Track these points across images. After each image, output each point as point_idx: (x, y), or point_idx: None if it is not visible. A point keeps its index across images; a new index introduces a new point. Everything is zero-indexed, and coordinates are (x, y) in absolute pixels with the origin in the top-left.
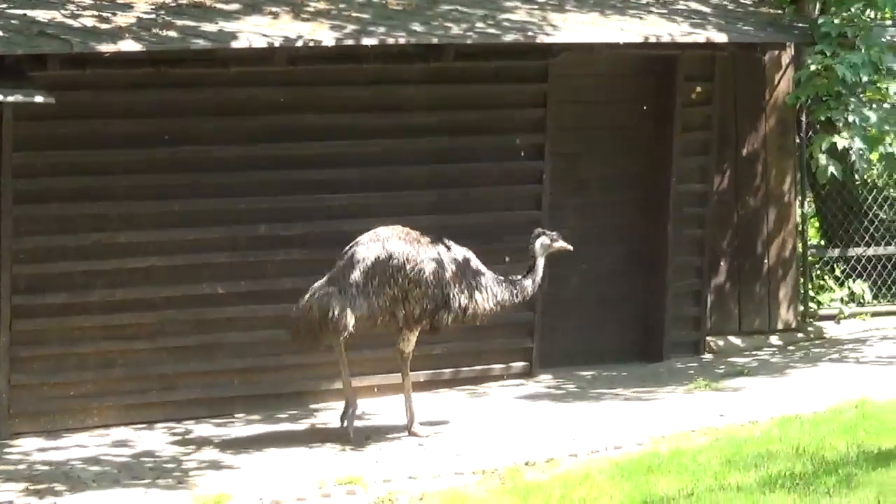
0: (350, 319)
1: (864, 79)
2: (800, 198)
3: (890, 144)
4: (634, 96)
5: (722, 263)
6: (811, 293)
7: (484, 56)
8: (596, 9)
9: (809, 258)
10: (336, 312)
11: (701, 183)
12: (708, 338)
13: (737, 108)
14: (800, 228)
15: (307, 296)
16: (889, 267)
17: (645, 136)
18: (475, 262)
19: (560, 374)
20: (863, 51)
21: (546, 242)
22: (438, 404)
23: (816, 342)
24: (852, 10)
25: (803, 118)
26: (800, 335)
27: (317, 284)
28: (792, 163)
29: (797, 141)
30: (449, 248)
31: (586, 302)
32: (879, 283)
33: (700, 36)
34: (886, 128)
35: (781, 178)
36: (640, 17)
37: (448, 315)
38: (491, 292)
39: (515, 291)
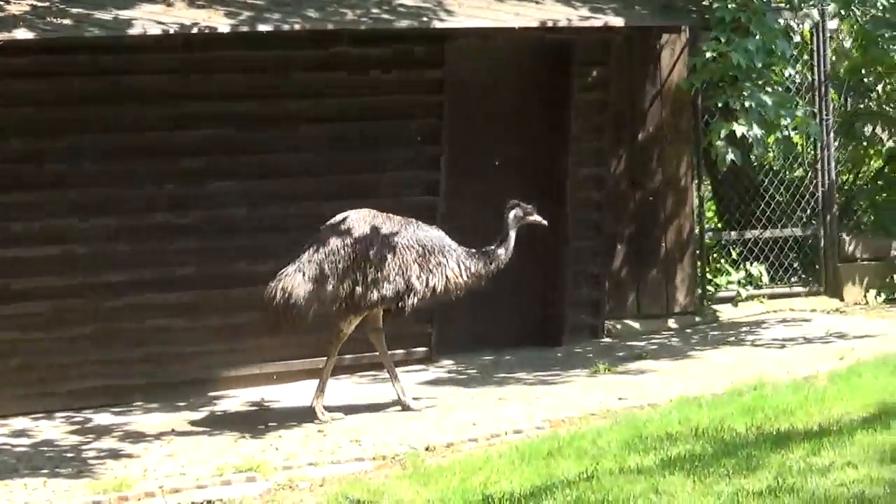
0: (312, 306)
1: (759, 64)
2: (696, 181)
3: (785, 128)
4: (531, 80)
5: (620, 247)
6: (709, 276)
7: (379, 41)
8: None
9: (707, 241)
10: (299, 299)
11: (598, 167)
12: (606, 322)
13: (633, 92)
14: (697, 212)
15: (274, 281)
16: (786, 249)
17: (542, 120)
18: (444, 241)
19: (460, 359)
20: (757, 36)
21: (519, 214)
22: (340, 390)
23: (714, 325)
24: None
25: (699, 102)
26: (697, 318)
27: (284, 270)
28: (688, 146)
29: (693, 124)
30: (416, 230)
31: (486, 287)
32: (777, 265)
33: (598, 20)
34: (782, 112)
35: (678, 162)
36: (536, 2)
37: (413, 297)
38: (463, 266)
39: (489, 261)
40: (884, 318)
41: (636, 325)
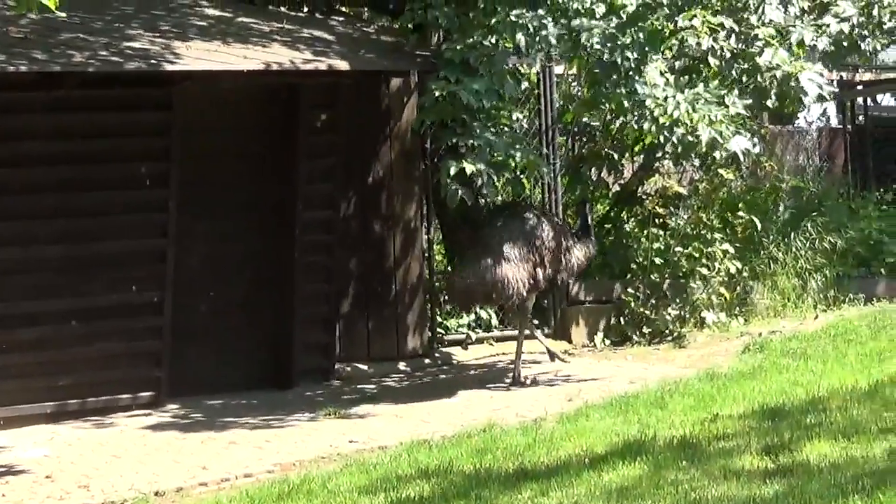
0: (518, 285)
1: (488, 104)
2: (426, 224)
3: (515, 169)
4: (261, 124)
5: (350, 290)
6: (439, 319)
7: (107, 84)
8: (218, 37)
9: (436, 284)
10: (509, 281)
11: (328, 209)
12: (337, 364)
13: (362, 135)
14: (426, 254)
15: (467, 267)
16: None
17: (272, 163)
18: (568, 228)
19: (189, 403)
20: (486, 77)
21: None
22: (65, 435)
23: (444, 368)
24: (474, 37)
25: (428, 144)
26: (427, 361)
27: (472, 255)
28: (417, 189)
29: (422, 167)
30: (555, 216)
31: (215, 330)
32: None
33: (322, 63)
34: (511, 152)
35: (407, 205)
36: (264, 46)
37: (565, 273)
38: (580, 247)
39: (589, 244)
40: (610, 360)
41: (367, 367)
